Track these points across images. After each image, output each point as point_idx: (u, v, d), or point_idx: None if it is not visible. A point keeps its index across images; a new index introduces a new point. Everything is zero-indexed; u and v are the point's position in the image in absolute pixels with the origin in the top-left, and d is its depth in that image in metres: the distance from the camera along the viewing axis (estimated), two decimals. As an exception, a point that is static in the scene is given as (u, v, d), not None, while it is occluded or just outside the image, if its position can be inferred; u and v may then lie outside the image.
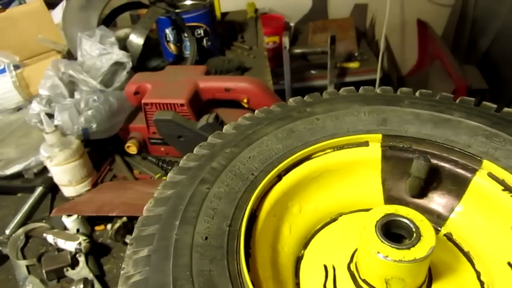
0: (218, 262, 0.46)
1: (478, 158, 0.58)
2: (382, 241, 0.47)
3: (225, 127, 0.66)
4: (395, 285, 0.49)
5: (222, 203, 0.53)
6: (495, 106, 0.66)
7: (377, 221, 0.49)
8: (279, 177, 0.61)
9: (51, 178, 1.08)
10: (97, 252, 0.92)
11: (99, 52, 1.25)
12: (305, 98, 0.73)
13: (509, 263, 0.53)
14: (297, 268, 0.59)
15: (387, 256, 0.46)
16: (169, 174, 0.59)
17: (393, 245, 0.47)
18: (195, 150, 0.62)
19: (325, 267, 0.57)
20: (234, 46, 1.77)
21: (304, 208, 0.63)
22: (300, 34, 2.91)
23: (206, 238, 0.48)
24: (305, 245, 0.62)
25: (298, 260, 0.60)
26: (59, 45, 1.54)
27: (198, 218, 0.50)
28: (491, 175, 0.58)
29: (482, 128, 0.61)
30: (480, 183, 0.58)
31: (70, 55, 1.51)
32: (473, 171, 0.59)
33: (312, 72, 2.69)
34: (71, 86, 1.23)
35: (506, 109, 0.65)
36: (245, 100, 1.19)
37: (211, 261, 0.46)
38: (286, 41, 2.39)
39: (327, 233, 0.63)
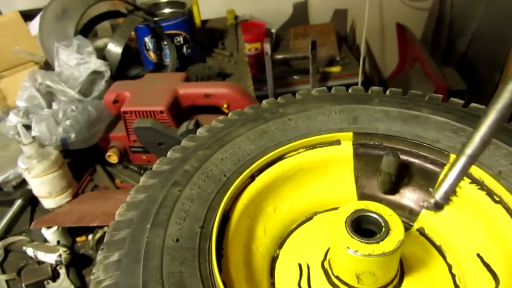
0: (189, 263, 0.46)
1: (446, 152, 0.59)
2: (351, 237, 0.48)
3: (198, 130, 0.66)
4: (366, 280, 0.49)
5: (194, 205, 0.53)
6: (462, 102, 0.67)
7: (347, 217, 0.49)
8: (252, 178, 0.61)
9: (30, 191, 1.07)
10: (79, 263, 0.90)
11: (76, 61, 1.25)
12: (278, 99, 0.73)
13: (478, 255, 0.54)
14: (272, 268, 0.59)
15: (356, 251, 0.47)
16: (141, 178, 0.59)
17: (362, 240, 0.47)
18: (169, 153, 0.62)
19: (300, 265, 0.57)
20: (215, 53, 1.78)
21: (278, 208, 0.63)
22: (281, 40, 2.94)
23: (178, 240, 0.48)
24: (280, 245, 0.62)
25: (273, 260, 0.60)
26: (36, 56, 1.53)
27: (169, 220, 0.50)
28: (459, 169, 0.59)
29: (450, 123, 0.63)
30: (449, 177, 0.59)
31: (48, 66, 1.50)
32: (442, 166, 0.60)
33: (295, 77, 2.71)
34: (49, 96, 1.22)
35: (472, 104, 0.66)
36: (225, 106, 1.20)
37: (182, 262, 0.46)
38: (267, 47, 2.40)
39: (302, 232, 0.64)
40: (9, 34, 1.51)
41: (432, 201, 0.48)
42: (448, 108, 0.66)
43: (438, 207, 0.47)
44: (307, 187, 0.66)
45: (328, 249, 0.57)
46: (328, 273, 0.54)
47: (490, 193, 0.55)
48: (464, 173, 0.46)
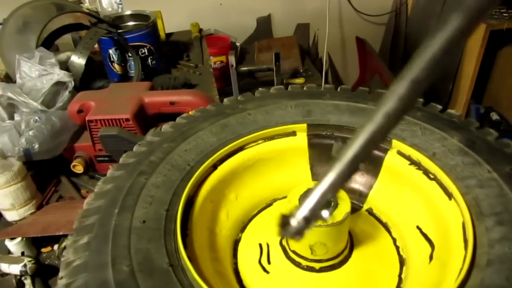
0: (156, 241, 0.49)
1: (388, 138, 0.66)
2: (304, 211, 0.53)
3: (163, 126, 0.70)
4: (319, 251, 0.54)
5: (160, 191, 0.57)
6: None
7: (300, 195, 0.55)
8: (214, 167, 0.66)
9: (-11, 204, 1.05)
10: (44, 274, 0.89)
11: (39, 73, 1.25)
12: (238, 97, 0.79)
13: (417, 227, 0.61)
14: (235, 250, 0.63)
15: (308, 223, 0.52)
16: (109, 171, 0.61)
17: (313, 214, 0.52)
18: (135, 148, 0.66)
19: (260, 245, 0.62)
20: (180, 65, 1.81)
21: (240, 195, 0.68)
22: (246, 53, 3.01)
23: (144, 221, 0.52)
24: (242, 229, 0.67)
25: (236, 242, 0.64)
26: (-5, 70, 1.51)
27: (136, 205, 0.54)
28: (399, 153, 0.66)
29: (391, 114, 0.70)
30: (392, 160, 0.66)
31: (8, 79, 1.48)
32: (385, 151, 0.67)
33: (260, 89, 2.77)
34: (10, 109, 1.21)
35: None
36: (190, 113, 1.23)
37: (148, 240, 0.49)
38: (232, 59, 2.46)
39: (263, 217, 0.69)
40: (-31, 47, 1.48)
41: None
42: (391, 101, 0.74)
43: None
44: (267, 176, 0.71)
45: (286, 229, 0.61)
46: (285, 249, 0.59)
47: (426, 172, 0.62)
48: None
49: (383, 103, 0.34)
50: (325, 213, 0.39)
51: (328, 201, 0.54)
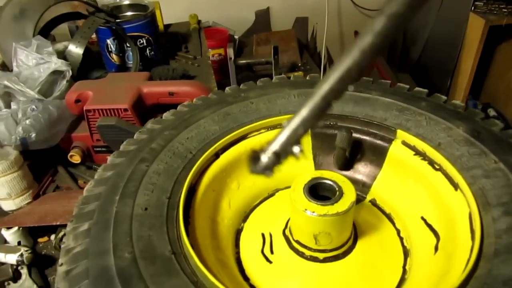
0: (158, 228, 0.48)
1: (393, 129, 0.66)
2: (309, 200, 0.52)
3: (164, 114, 0.69)
4: (323, 241, 0.54)
5: (162, 178, 0.56)
6: (407, 86, 0.74)
7: (305, 184, 0.54)
8: (216, 155, 0.65)
9: (-15, 194, 1.03)
10: (41, 264, 0.89)
11: (36, 61, 1.23)
12: (240, 86, 0.78)
13: (422, 217, 0.60)
14: (237, 239, 0.62)
15: (313, 212, 0.51)
16: (109, 158, 0.60)
17: (318, 203, 0.52)
18: (135, 135, 0.64)
19: (263, 235, 0.61)
20: (178, 56, 1.80)
21: (242, 184, 0.67)
22: (245, 47, 2.99)
23: (146, 208, 0.51)
24: (245, 218, 0.66)
25: (238, 232, 0.64)
26: (-9, 59, 1.49)
27: (137, 192, 0.53)
28: (404, 143, 0.65)
29: (396, 104, 0.69)
30: (396, 151, 0.66)
31: (4, 68, 1.46)
32: (390, 141, 0.67)
33: (262, 78, 2.76)
34: (7, 97, 1.20)
35: (416, 88, 0.73)
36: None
37: (150, 228, 0.48)
38: (230, 52, 2.44)
39: (265, 207, 0.68)
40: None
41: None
42: (395, 91, 0.73)
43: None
44: (269, 165, 0.70)
45: (289, 219, 0.61)
46: (289, 239, 0.58)
47: (431, 162, 0.61)
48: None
49: (360, 38, 0.33)
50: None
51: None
